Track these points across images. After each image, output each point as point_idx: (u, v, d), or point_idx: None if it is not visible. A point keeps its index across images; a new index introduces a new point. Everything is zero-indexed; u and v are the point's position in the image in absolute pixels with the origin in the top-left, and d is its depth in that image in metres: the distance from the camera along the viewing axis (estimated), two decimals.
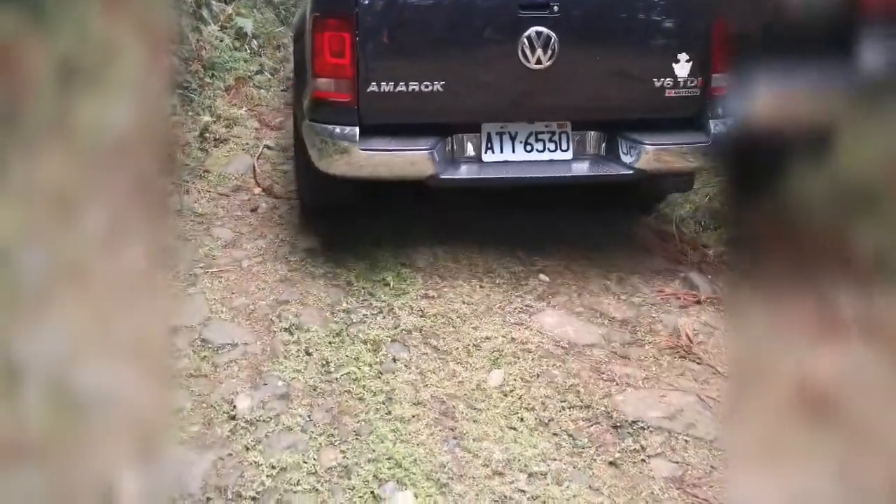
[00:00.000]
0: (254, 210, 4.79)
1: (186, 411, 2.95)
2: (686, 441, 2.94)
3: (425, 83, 3.70)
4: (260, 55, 7.06)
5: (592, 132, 3.99)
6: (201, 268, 4.04)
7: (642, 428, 3.00)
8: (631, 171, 3.89)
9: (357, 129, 3.69)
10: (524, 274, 4.15)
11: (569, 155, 3.93)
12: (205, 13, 6.42)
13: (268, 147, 5.62)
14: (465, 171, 3.85)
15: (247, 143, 5.59)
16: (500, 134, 3.90)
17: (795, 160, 0.59)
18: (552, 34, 3.68)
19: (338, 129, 3.70)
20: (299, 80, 4.21)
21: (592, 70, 3.84)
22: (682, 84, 3.85)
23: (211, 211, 4.72)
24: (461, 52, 3.77)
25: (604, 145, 3.99)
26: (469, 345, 3.48)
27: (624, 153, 3.92)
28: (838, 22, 0.56)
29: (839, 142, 0.56)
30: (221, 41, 6.60)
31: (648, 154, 3.86)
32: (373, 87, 3.67)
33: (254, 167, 5.27)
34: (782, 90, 0.58)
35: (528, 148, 3.91)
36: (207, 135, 5.50)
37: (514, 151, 3.90)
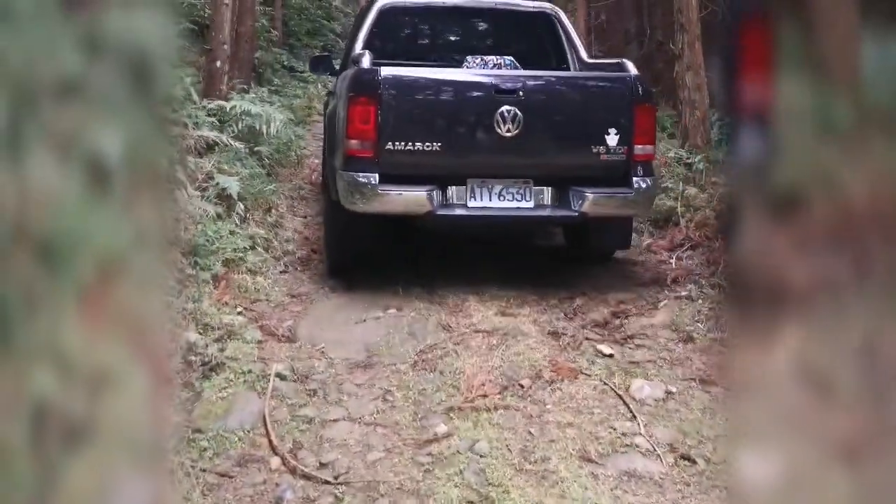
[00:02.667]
0: None
1: None
2: None
3: (426, 144, 5.18)
4: (248, 221, 6.41)
5: (548, 187, 5.42)
6: None
7: None
8: (576, 214, 5.33)
9: (377, 176, 5.13)
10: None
11: (531, 204, 5.37)
12: (179, 173, 5.31)
13: (280, 377, 4.22)
14: (455, 211, 5.30)
15: (250, 371, 4.21)
16: (481, 187, 5.33)
17: None
18: (518, 111, 5.21)
19: (363, 177, 5.14)
20: (331, 149, 6.01)
21: (547, 139, 5.35)
22: (612, 151, 5.35)
23: None
24: (453, 122, 5.28)
25: (556, 196, 5.41)
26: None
27: (572, 201, 5.33)
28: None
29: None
30: (205, 213, 5.71)
31: (589, 201, 5.28)
32: (389, 146, 5.15)
33: (264, 417, 3.81)
34: None
35: (501, 198, 5.34)
36: (193, 358, 4.21)
37: (490, 200, 5.33)
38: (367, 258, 5.91)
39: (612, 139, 5.34)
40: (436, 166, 5.24)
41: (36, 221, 0.63)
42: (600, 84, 5.73)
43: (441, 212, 5.22)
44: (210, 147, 7.34)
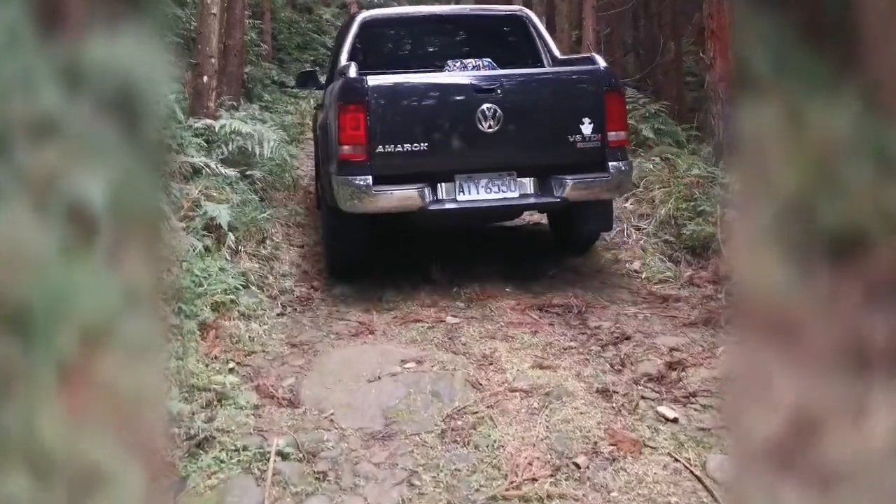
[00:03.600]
0: None
1: None
2: None
3: (414, 144, 5.47)
4: (239, 254, 5.84)
5: (530, 179, 5.69)
6: None
7: None
8: (559, 200, 5.63)
9: (370, 178, 5.41)
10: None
11: (516, 194, 5.65)
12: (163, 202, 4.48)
13: (282, 455, 3.48)
14: (445, 205, 5.51)
15: (245, 448, 3.49)
16: (468, 182, 5.58)
17: None
18: (497, 108, 5.53)
19: (357, 179, 5.41)
20: (325, 157, 6.19)
21: (526, 132, 5.63)
22: (587, 139, 5.67)
23: None
24: (438, 123, 5.57)
25: (539, 185, 5.70)
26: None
27: (554, 188, 5.64)
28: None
29: None
30: (192, 248, 5.13)
31: (569, 187, 5.58)
32: (380, 149, 5.43)
33: None
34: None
35: (488, 191, 5.59)
36: (177, 431, 3.55)
37: (478, 193, 5.59)
38: (366, 262, 6.12)
39: (587, 128, 5.66)
40: (424, 165, 5.51)
41: (6, 284, 0.54)
42: (572, 77, 6.08)
43: (432, 207, 5.47)
44: (197, 171, 6.63)
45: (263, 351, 4.65)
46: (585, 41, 12.10)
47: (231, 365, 4.34)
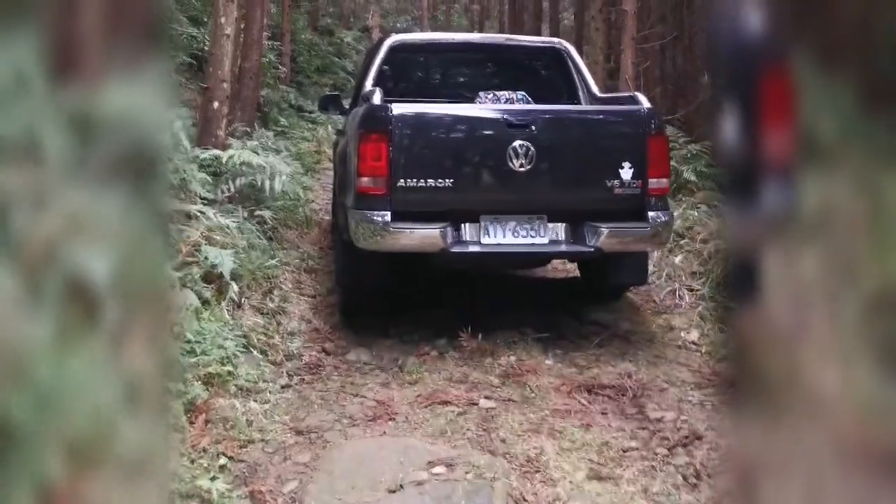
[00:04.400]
0: None
1: None
2: None
3: (439, 180, 5.04)
4: (242, 308, 5.10)
5: (562, 223, 5.25)
6: None
7: None
8: (591, 249, 5.15)
9: (389, 214, 4.97)
10: None
11: (545, 240, 5.19)
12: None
13: None
14: (468, 248, 5.08)
15: None
16: (495, 224, 5.15)
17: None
18: (530, 146, 5.08)
19: (375, 215, 4.97)
20: (342, 192, 5.71)
21: (560, 174, 5.19)
22: (627, 185, 5.20)
23: None
24: (465, 158, 5.15)
25: (571, 232, 5.25)
26: None
27: (587, 236, 5.17)
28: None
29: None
30: (187, 305, 4.36)
31: (604, 236, 5.12)
32: (401, 183, 5.01)
33: None
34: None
35: (515, 235, 5.16)
36: None
37: (504, 237, 5.15)
38: (382, 299, 5.88)
39: (627, 173, 5.22)
40: (448, 203, 5.11)
41: None
42: (613, 117, 5.67)
43: (455, 249, 5.06)
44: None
45: (262, 440, 3.82)
46: (623, 75, 11.38)
47: (222, 460, 3.54)
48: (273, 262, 6.08)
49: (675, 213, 7.07)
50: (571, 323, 5.80)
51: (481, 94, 6.23)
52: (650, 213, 5.21)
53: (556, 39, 7.25)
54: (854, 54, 0.52)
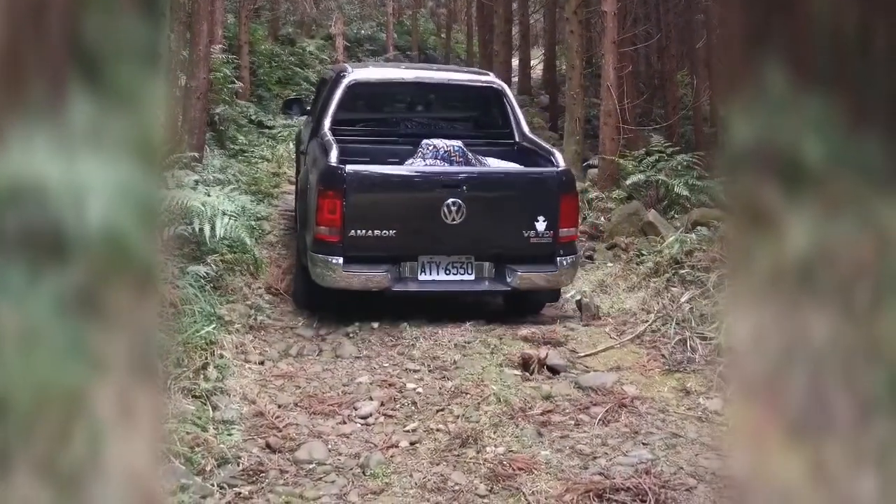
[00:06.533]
0: None
1: None
2: None
3: (384, 231, 5.93)
4: (170, 390, 4.29)
5: (486, 263, 6.15)
6: None
7: None
8: (509, 288, 6.12)
9: (342, 259, 5.85)
10: None
11: (472, 277, 6.13)
12: None
13: None
14: (408, 286, 6.01)
15: None
16: (430, 263, 6.04)
17: None
18: (461, 202, 5.96)
19: (331, 258, 5.86)
20: (303, 227, 6.49)
21: (486, 225, 6.08)
22: (541, 235, 6.11)
23: None
24: (407, 212, 6.09)
25: (494, 271, 6.15)
26: None
27: (506, 275, 6.09)
28: None
29: None
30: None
31: (519, 277, 6.05)
32: (352, 233, 5.86)
33: None
34: None
35: (447, 273, 6.07)
36: None
37: (438, 274, 6.06)
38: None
39: (541, 225, 6.11)
40: (392, 248, 5.99)
41: None
42: (532, 177, 6.56)
43: (396, 287, 5.98)
44: None
45: None
46: (605, 82, 10.46)
47: None
48: (210, 328, 5.09)
49: (671, 237, 7.42)
50: (567, 390, 4.87)
51: (424, 142, 6.85)
52: (558, 258, 6.14)
53: (495, 80, 7.89)
54: (830, 66, 0.45)
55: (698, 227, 7.95)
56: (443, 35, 29.79)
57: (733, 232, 0.50)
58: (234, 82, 15.31)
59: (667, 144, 10.55)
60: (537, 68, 24.57)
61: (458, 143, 6.86)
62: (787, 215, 0.47)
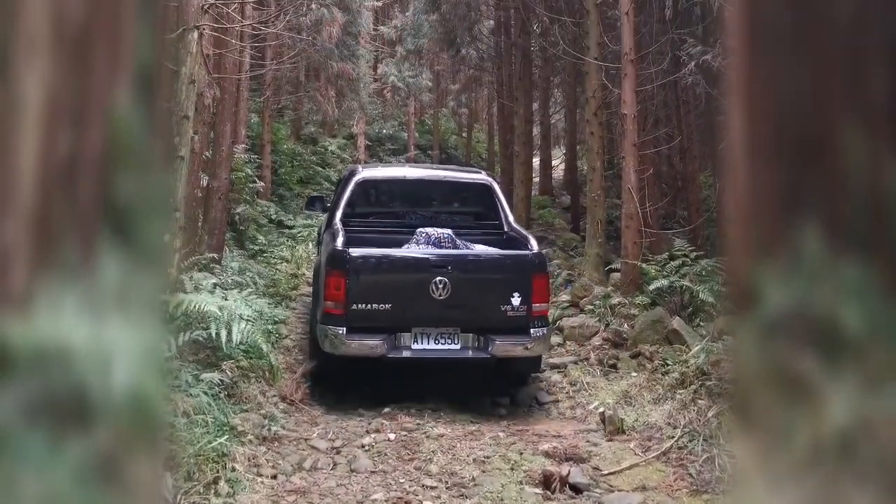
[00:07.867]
0: None
1: None
2: None
3: (381, 305, 6.84)
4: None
5: (471, 334, 7.03)
6: None
7: None
8: (489, 356, 6.97)
9: (345, 329, 6.76)
10: None
11: (458, 346, 7.02)
12: None
13: None
14: (402, 353, 6.88)
15: None
16: (422, 334, 6.93)
17: None
18: (447, 280, 6.90)
19: (337, 329, 6.77)
20: (315, 303, 7.66)
21: (469, 300, 7.00)
22: (516, 309, 7.01)
23: None
24: (401, 288, 7.00)
25: (477, 341, 7.04)
26: None
27: (488, 345, 6.96)
28: None
29: None
30: None
31: (497, 345, 6.95)
32: (354, 307, 6.78)
33: None
34: None
35: (437, 342, 6.97)
36: None
37: (429, 343, 6.95)
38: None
39: (516, 300, 6.99)
40: (388, 320, 6.82)
41: None
42: (508, 259, 7.49)
43: (391, 354, 6.80)
44: None
45: None
46: (626, 184, 10.42)
47: None
48: (222, 440, 4.94)
49: (697, 346, 7.44)
50: None
51: (418, 230, 7.95)
52: (532, 329, 7.03)
53: (485, 177, 9.39)
54: (867, 226, 0.44)
55: (725, 337, 7.77)
56: (464, 134, 30.14)
57: (767, 404, 0.46)
58: (255, 181, 15.45)
59: (690, 248, 10.42)
60: (559, 168, 24.73)
61: (447, 231, 7.89)
62: (826, 386, 0.44)
